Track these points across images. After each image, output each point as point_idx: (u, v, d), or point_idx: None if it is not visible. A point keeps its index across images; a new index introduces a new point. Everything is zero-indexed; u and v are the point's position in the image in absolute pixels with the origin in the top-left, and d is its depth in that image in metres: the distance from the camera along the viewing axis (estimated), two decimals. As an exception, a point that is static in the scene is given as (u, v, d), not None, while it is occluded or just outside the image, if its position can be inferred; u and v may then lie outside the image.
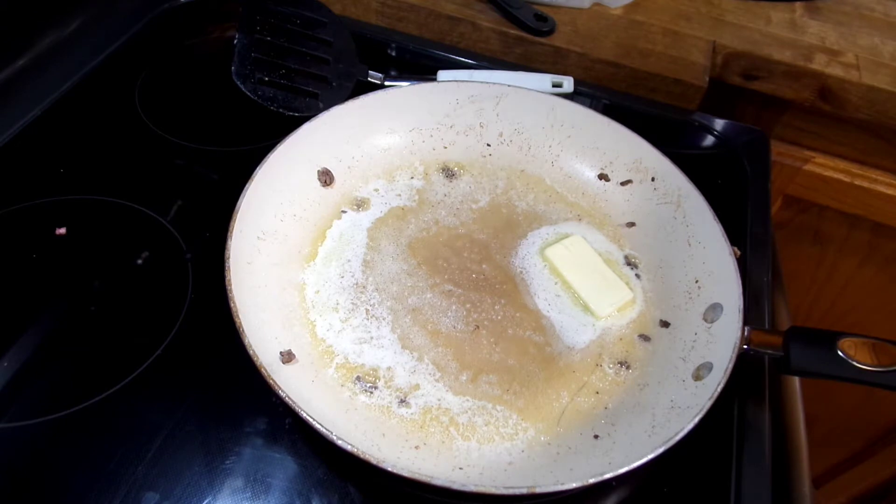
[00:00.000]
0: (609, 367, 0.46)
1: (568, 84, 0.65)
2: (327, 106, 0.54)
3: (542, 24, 0.71)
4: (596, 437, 0.42)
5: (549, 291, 0.50)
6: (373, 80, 0.64)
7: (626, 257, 0.53)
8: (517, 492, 0.35)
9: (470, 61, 0.70)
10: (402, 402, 0.43)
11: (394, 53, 0.72)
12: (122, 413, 0.43)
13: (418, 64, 0.71)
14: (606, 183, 0.57)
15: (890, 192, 0.79)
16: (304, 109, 0.58)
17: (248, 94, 0.57)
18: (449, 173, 0.58)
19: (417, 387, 0.44)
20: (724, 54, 0.72)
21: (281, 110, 0.58)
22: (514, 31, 0.71)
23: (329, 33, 0.63)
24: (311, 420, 0.36)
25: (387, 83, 0.64)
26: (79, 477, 0.40)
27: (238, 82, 0.57)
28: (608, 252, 0.53)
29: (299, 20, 0.62)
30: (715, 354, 0.43)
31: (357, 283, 0.50)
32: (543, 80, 0.64)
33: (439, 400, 0.44)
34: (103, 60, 0.68)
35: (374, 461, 0.35)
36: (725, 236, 0.48)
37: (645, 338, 0.48)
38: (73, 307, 0.49)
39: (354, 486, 0.41)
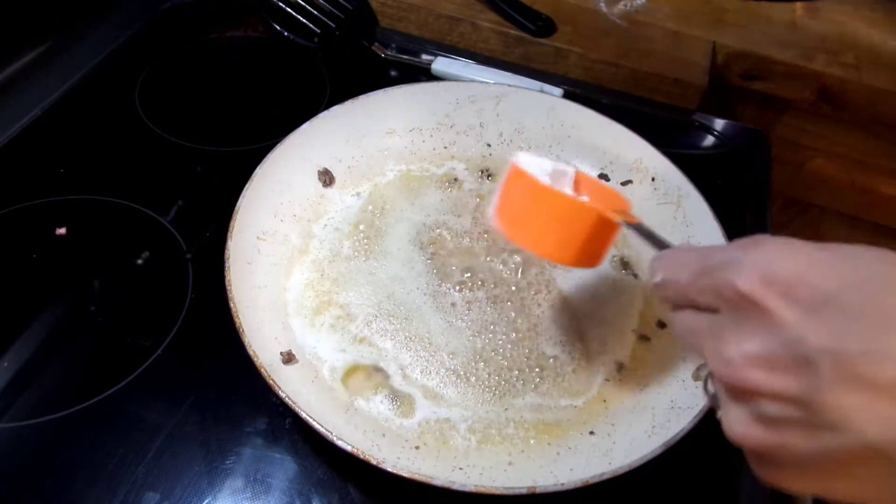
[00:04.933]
0: (609, 367, 0.46)
1: (557, 94, 0.64)
2: (323, 46, 0.56)
3: (542, 25, 0.71)
4: (595, 436, 0.42)
5: (548, 295, 0.50)
6: (376, 51, 0.66)
7: (625, 257, 0.53)
8: (517, 492, 0.35)
9: (470, 62, 0.70)
10: (403, 401, 0.43)
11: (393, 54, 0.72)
12: (122, 413, 0.43)
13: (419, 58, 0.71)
14: (606, 183, 0.57)
15: (890, 192, 0.79)
16: (300, 36, 0.63)
17: None
18: (450, 173, 0.58)
19: (418, 386, 0.44)
20: (724, 54, 0.72)
21: (276, 25, 0.62)
22: (514, 32, 0.71)
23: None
24: (311, 420, 0.36)
25: (388, 55, 0.68)
26: (79, 477, 0.40)
27: None
28: (608, 254, 0.53)
29: None
30: (715, 354, 0.43)
31: (358, 284, 0.50)
32: (533, 87, 0.64)
33: (439, 400, 0.44)
34: (103, 60, 0.68)
35: (374, 461, 0.35)
36: (725, 236, 0.48)
37: (645, 338, 0.48)
38: (73, 307, 0.49)
39: (354, 486, 0.41)
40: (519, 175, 0.38)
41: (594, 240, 0.37)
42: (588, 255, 0.37)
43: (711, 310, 0.27)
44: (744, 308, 0.25)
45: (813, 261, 0.24)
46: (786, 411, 0.23)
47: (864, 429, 0.22)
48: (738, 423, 0.25)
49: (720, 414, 0.27)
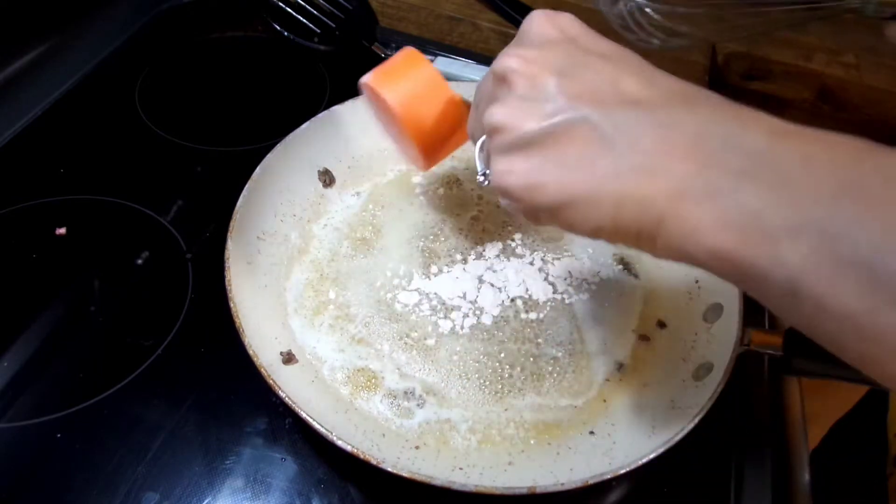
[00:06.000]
0: (609, 367, 0.46)
1: None
2: (323, 46, 0.55)
3: (542, 24, 0.71)
4: (595, 436, 0.42)
5: (548, 295, 0.50)
6: (376, 51, 0.66)
7: (625, 257, 0.53)
8: (517, 492, 0.35)
9: (470, 62, 0.70)
10: (403, 402, 0.43)
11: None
12: (122, 413, 0.43)
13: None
14: (606, 183, 0.57)
15: (890, 192, 0.78)
16: (300, 36, 0.63)
17: None
18: (450, 173, 0.58)
19: (418, 386, 0.44)
20: (724, 54, 0.72)
21: (276, 25, 0.63)
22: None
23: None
24: (311, 420, 0.36)
25: (388, 55, 0.66)
26: (79, 477, 0.40)
27: None
28: (608, 253, 0.53)
29: None
30: (715, 354, 0.43)
31: (357, 284, 0.49)
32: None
33: (439, 400, 0.44)
34: (103, 60, 0.68)
35: (374, 461, 0.35)
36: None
37: (645, 338, 0.48)
38: (73, 307, 0.49)
39: (354, 486, 0.41)
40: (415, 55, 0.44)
41: (445, 129, 0.42)
42: (434, 141, 0.43)
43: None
44: (525, 31, 0.34)
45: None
46: (523, 90, 0.30)
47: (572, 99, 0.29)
48: (495, 108, 0.31)
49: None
